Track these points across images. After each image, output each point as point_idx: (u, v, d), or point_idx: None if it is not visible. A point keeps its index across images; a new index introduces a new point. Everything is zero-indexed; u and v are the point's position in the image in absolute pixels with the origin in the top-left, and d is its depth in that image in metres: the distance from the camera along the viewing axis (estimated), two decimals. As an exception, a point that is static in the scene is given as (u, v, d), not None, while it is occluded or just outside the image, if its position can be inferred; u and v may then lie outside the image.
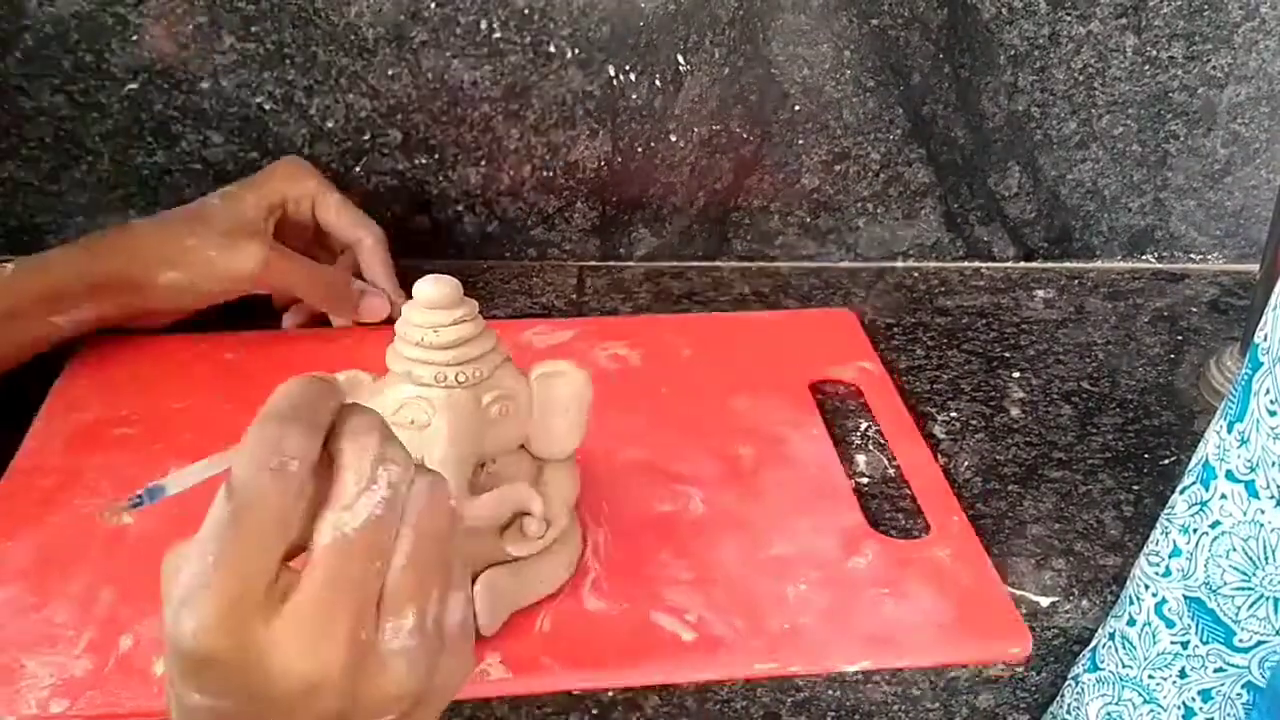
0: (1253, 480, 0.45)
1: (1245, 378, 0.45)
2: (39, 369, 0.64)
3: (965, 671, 0.54)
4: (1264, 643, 0.46)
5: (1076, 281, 0.84)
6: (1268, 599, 0.45)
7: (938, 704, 0.55)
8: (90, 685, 0.47)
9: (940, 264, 0.85)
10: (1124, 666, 0.50)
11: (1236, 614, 0.46)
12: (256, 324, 0.71)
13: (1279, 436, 0.44)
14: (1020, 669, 0.55)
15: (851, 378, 0.70)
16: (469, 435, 0.47)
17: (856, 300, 0.80)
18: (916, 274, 0.84)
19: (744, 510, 0.59)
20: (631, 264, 0.83)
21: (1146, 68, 0.78)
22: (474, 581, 0.50)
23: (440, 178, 0.79)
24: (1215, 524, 0.46)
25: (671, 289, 0.80)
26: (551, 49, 0.75)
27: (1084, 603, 0.55)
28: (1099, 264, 0.86)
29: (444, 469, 0.47)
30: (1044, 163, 0.81)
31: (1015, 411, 0.69)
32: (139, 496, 0.34)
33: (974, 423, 0.68)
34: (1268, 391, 0.44)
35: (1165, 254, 0.86)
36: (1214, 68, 0.78)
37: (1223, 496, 0.46)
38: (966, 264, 0.85)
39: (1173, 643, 0.48)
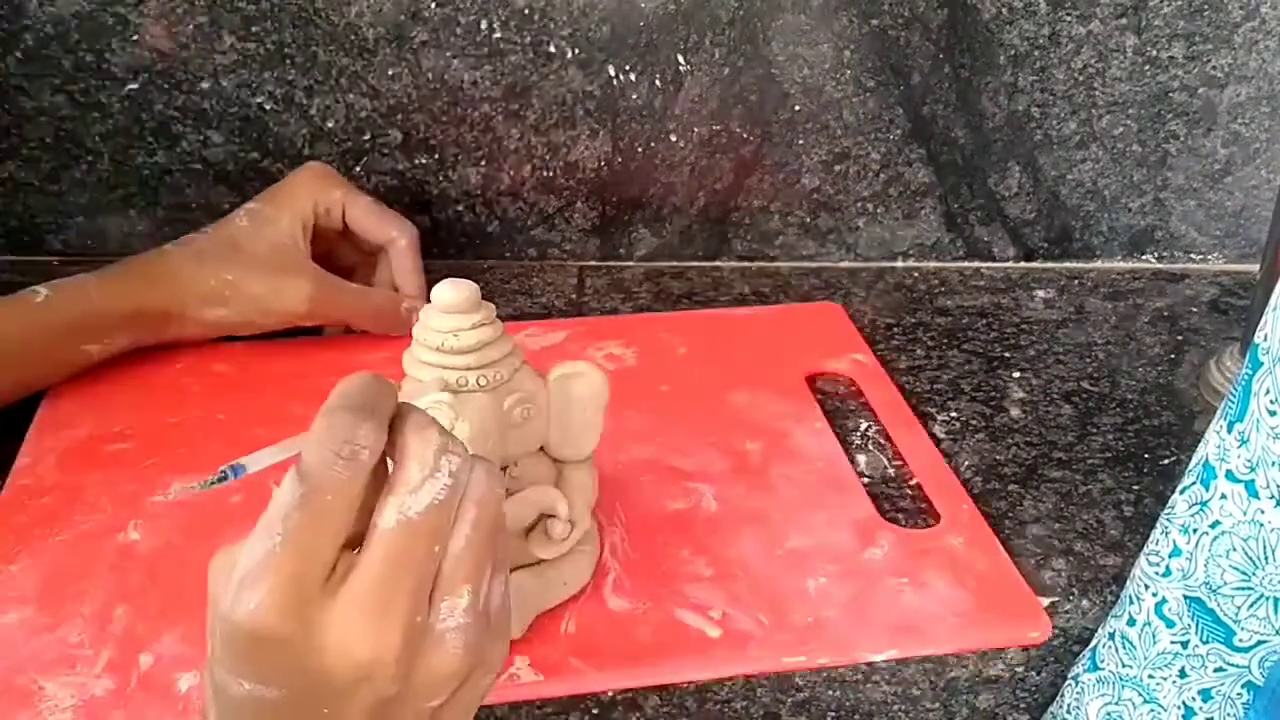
0: (1253, 480, 0.45)
1: (1245, 378, 0.45)
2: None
3: (965, 671, 0.54)
4: (1264, 642, 0.46)
5: (1076, 281, 0.84)
6: (1268, 599, 0.45)
7: (938, 704, 0.55)
8: (114, 705, 0.47)
9: (940, 264, 0.85)
10: (1124, 666, 0.50)
11: (1236, 614, 0.46)
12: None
13: (1279, 436, 0.44)
14: (1020, 669, 0.55)
15: (846, 370, 0.71)
16: (492, 439, 0.47)
17: (857, 300, 0.80)
18: (916, 274, 0.84)
19: (757, 505, 0.59)
20: (631, 264, 0.83)
21: (1147, 68, 0.78)
22: None
23: (440, 178, 0.79)
24: (1215, 524, 0.46)
25: (671, 289, 0.80)
26: (551, 49, 0.75)
27: (1084, 603, 0.55)
28: (1099, 264, 0.86)
29: None
30: (1044, 163, 0.81)
31: (1015, 411, 0.69)
32: (222, 473, 0.35)
33: (974, 423, 0.68)
34: (1268, 391, 0.44)
35: (1165, 254, 0.86)
36: (1214, 68, 0.78)
37: (1223, 496, 0.46)
38: (966, 264, 0.85)
39: (1173, 642, 0.48)
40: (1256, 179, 0.83)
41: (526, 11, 0.74)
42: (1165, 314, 0.80)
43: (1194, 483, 0.48)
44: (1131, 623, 0.50)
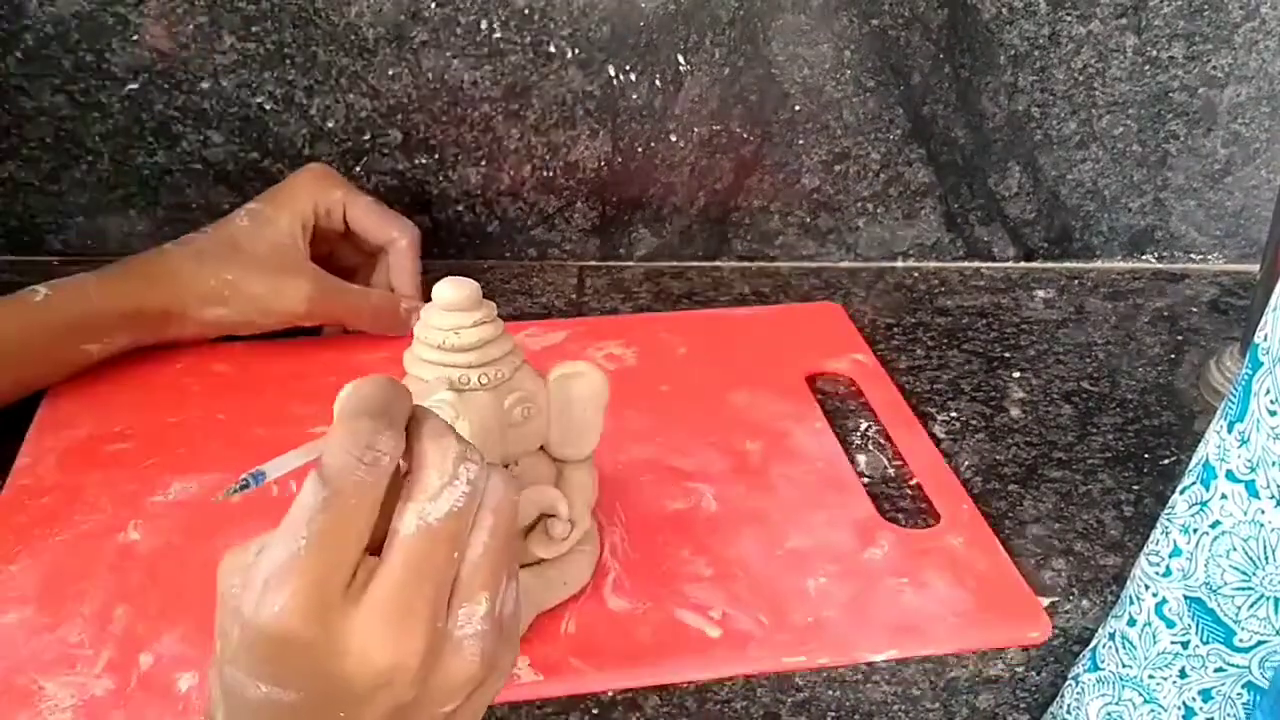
0: (1253, 480, 0.45)
1: (1245, 378, 0.45)
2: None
3: (966, 671, 0.54)
4: (1264, 642, 0.46)
5: (1076, 281, 0.84)
6: (1268, 599, 0.45)
7: (938, 704, 0.55)
8: (114, 705, 0.47)
9: (940, 264, 0.85)
10: (1124, 666, 0.50)
11: (1237, 614, 0.46)
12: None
13: (1279, 436, 0.44)
14: (1020, 669, 0.55)
15: (846, 370, 0.71)
16: (493, 437, 0.47)
17: (857, 300, 0.80)
18: (916, 274, 0.84)
19: (757, 505, 0.59)
20: (631, 264, 0.83)
21: (1147, 68, 0.78)
22: None
23: (440, 178, 0.79)
24: (1215, 524, 0.46)
25: (671, 289, 0.80)
26: (551, 49, 0.75)
27: (1084, 603, 0.55)
28: (1099, 264, 0.86)
29: None
30: (1044, 163, 0.81)
31: (1015, 411, 0.69)
32: (245, 480, 0.35)
33: (974, 423, 0.68)
34: (1268, 392, 0.44)
35: (1165, 254, 0.86)
36: (1214, 68, 0.78)
37: (1223, 496, 0.46)
38: (966, 264, 0.85)
39: (1173, 643, 0.48)
40: (1256, 179, 0.83)
41: (526, 11, 0.74)
42: (1165, 314, 0.80)
43: (1194, 483, 0.48)
44: (1132, 623, 0.50)
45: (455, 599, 0.34)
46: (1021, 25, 0.76)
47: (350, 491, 0.33)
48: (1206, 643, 0.47)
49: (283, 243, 0.66)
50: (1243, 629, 0.46)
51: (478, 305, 0.48)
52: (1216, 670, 0.48)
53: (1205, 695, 0.48)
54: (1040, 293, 0.82)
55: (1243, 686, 0.48)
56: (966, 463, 0.64)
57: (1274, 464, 0.44)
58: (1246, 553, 0.45)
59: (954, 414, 0.68)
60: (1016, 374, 0.73)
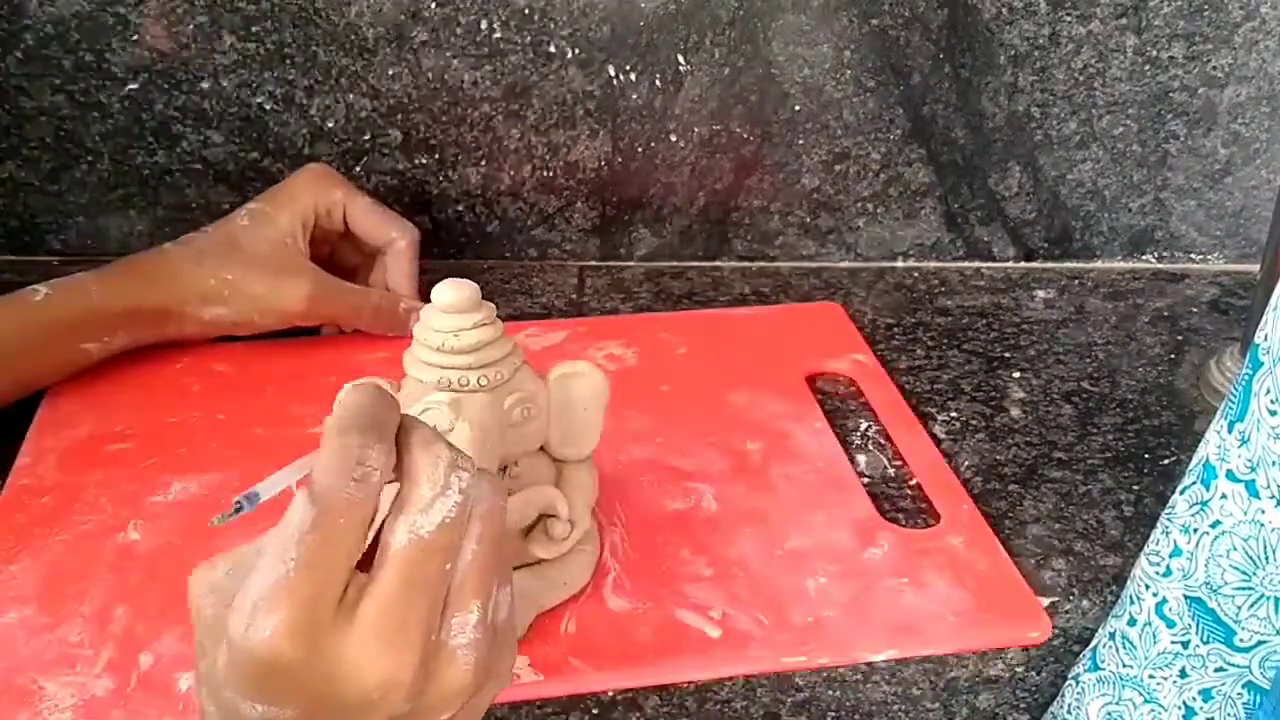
0: (1253, 480, 0.45)
1: (1245, 378, 0.45)
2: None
3: (965, 671, 0.54)
4: (1264, 642, 0.46)
5: (1077, 281, 0.84)
6: (1268, 599, 0.45)
7: (938, 704, 0.55)
8: (114, 704, 0.47)
9: (940, 264, 0.85)
10: (1124, 666, 0.50)
11: (1237, 614, 0.46)
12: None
13: (1279, 436, 0.43)
14: (1020, 669, 0.55)
15: (846, 370, 0.71)
16: (492, 438, 0.47)
17: (857, 300, 0.80)
18: (916, 274, 0.84)
19: (757, 505, 0.59)
20: (631, 264, 0.83)
21: (1147, 68, 0.78)
22: None
23: (440, 178, 0.79)
24: (1216, 524, 0.46)
25: (671, 289, 0.80)
26: (551, 49, 0.75)
27: (1084, 603, 0.55)
28: (1099, 264, 0.86)
29: None
30: (1044, 163, 0.81)
31: (1015, 411, 0.69)
32: (238, 504, 0.34)
33: (974, 423, 0.68)
34: (1268, 391, 0.44)
35: (1165, 254, 0.86)
36: (1214, 68, 0.78)
37: (1223, 496, 0.46)
38: (966, 264, 0.85)
39: (1173, 642, 0.48)
40: (1256, 179, 0.83)
41: (526, 11, 0.74)
42: (1165, 314, 0.80)
43: (1194, 482, 0.48)
44: (1132, 623, 0.50)
45: (448, 609, 0.34)
46: (1021, 25, 0.76)
47: (340, 510, 0.32)
48: (1207, 642, 0.47)
49: (283, 242, 0.66)
50: (1243, 629, 0.46)
51: (477, 307, 0.48)
52: (1217, 670, 0.48)
53: (1205, 695, 0.48)
54: (1040, 293, 0.82)
55: (1243, 686, 0.48)
56: (966, 463, 0.64)
57: (1274, 464, 0.44)
58: (1247, 552, 0.45)
59: (954, 414, 0.68)
60: (1016, 374, 0.73)
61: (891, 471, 0.63)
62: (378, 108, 0.76)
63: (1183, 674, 0.48)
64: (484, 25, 0.74)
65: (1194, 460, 0.48)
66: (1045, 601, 0.55)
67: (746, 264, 0.84)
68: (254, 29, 0.73)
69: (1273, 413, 0.44)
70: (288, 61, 0.74)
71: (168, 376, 0.67)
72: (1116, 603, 0.52)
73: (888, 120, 0.79)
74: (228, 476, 0.59)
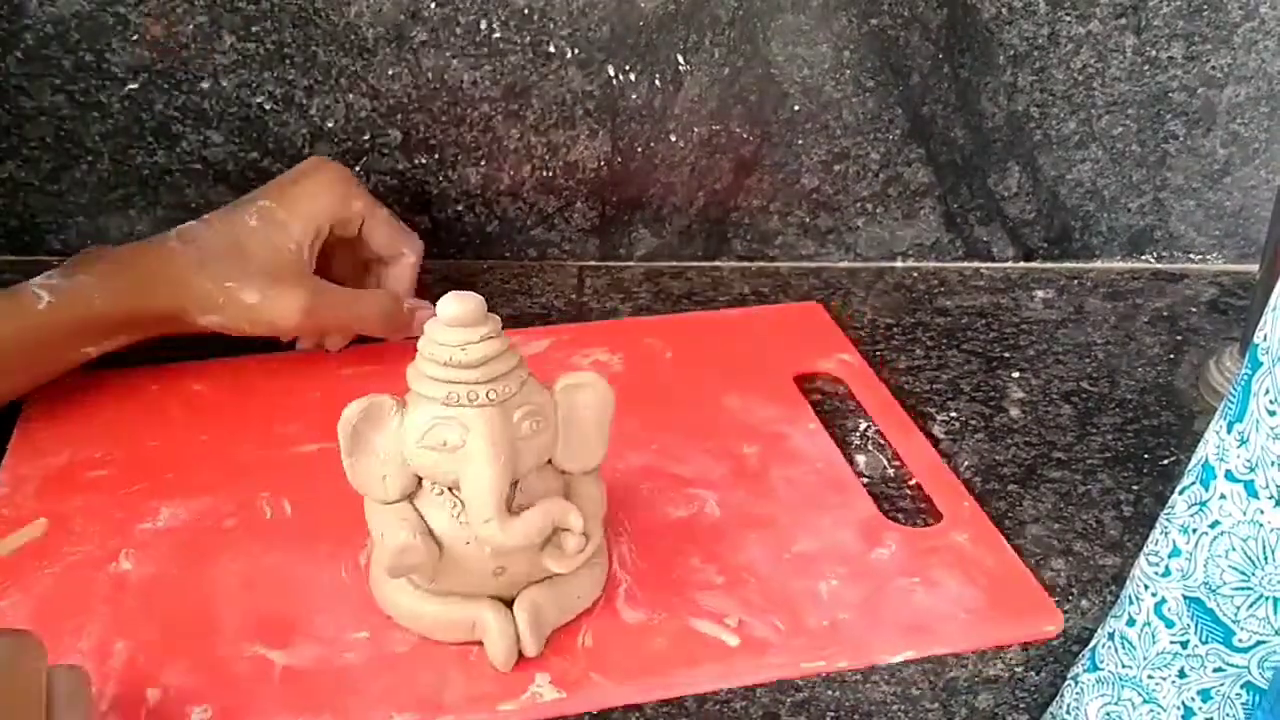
0: (1252, 480, 0.45)
1: (1245, 378, 0.45)
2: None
3: (965, 671, 0.54)
4: (1263, 643, 0.46)
5: (1076, 281, 0.84)
6: (1267, 599, 0.45)
7: (937, 704, 0.55)
8: None
9: (940, 264, 0.85)
10: (1124, 666, 0.50)
11: (1236, 614, 0.46)
12: (220, 349, 0.68)
13: (1278, 436, 0.44)
14: (1020, 669, 0.55)
15: (834, 370, 0.71)
16: (506, 454, 0.47)
17: (856, 300, 0.80)
18: (916, 274, 0.84)
19: (760, 509, 0.59)
20: (631, 264, 0.83)
21: (1146, 68, 0.78)
22: (513, 603, 0.50)
23: (440, 178, 0.79)
24: (1215, 524, 0.46)
25: (671, 289, 0.81)
26: (551, 49, 0.75)
27: (1084, 603, 0.55)
28: (1099, 264, 0.86)
29: (482, 489, 0.46)
30: (1044, 163, 0.81)
31: (1015, 411, 0.69)
32: None
33: (974, 423, 0.68)
34: (1267, 392, 0.44)
35: (1165, 254, 0.86)
36: (1214, 68, 0.78)
37: (1222, 496, 0.46)
38: (966, 264, 0.85)
39: (1172, 643, 0.48)
40: (1256, 179, 0.83)
41: (526, 11, 0.74)
42: (1165, 314, 0.80)
43: (1193, 483, 0.48)
44: (1131, 623, 0.50)
45: None
46: (1021, 25, 0.76)
47: None
48: (1206, 643, 0.48)
49: (288, 250, 0.64)
50: (1242, 629, 0.46)
51: (484, 320, 0.47)
52: (1215, 670, 0.48)
53: (1204, 695, 0.48)
54: (1040, 293, 0.82)
55: (1242, 687, 0.48)
56: (966, 463, 0.64)
57: (1273, 464, 0.44)
58: (1245, 553, 0.45)
59: (953, 414, 0.68)
60: (1016, 374, 0.73)
61: (890, 471, 0.63)
62: (378, 108, 0.76)
63: (1181, 674, 0.49)
64: (484, 25, 0.74)
65: (1193, 460, 0.49)
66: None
67: (746, 264, 0.84)
68: (254, 29, 0.73)
69: (1272, 413, 0.44)
70: (288, 61, 0.74)
71: (145, 398, 0.65)
72: (1115, 603, 0.53)
73: (887, 120, 0.79)
74: (218, 500, 0.58)
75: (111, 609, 0.51)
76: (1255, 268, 0.74)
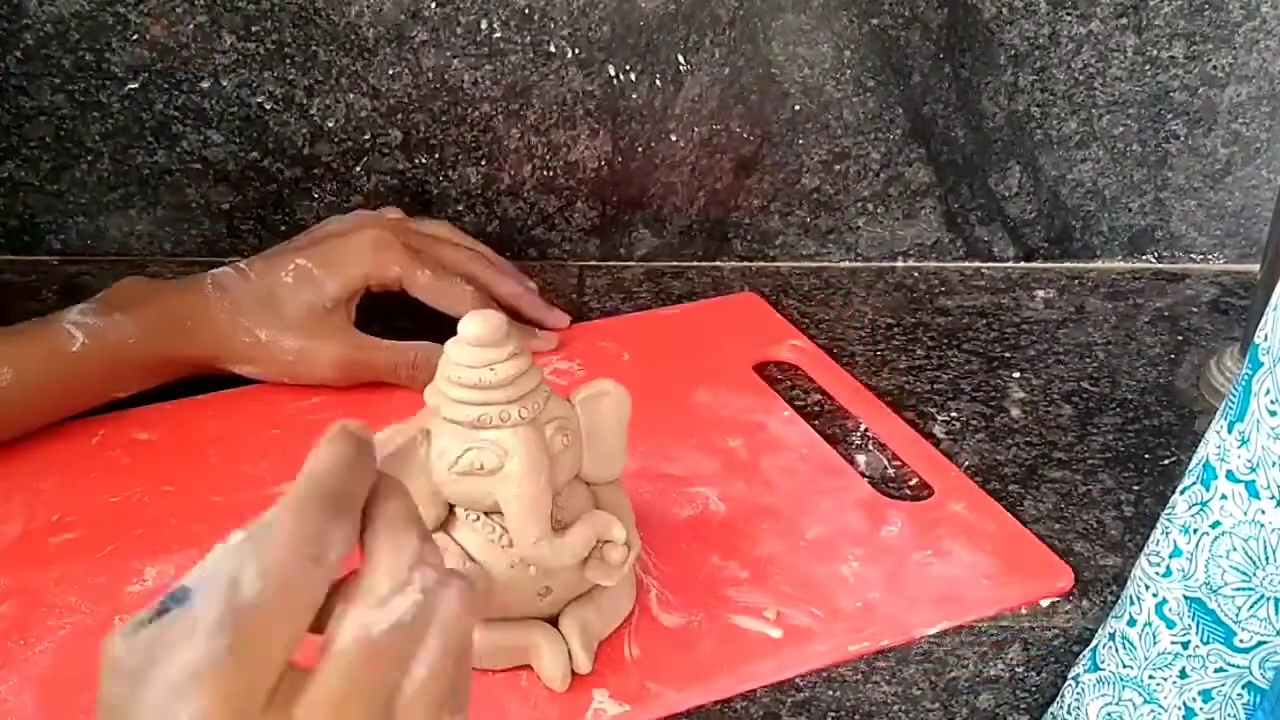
0: (1253, 480, 0.45)
1: (1245, 378, 0.45)
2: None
3: (966, 671, 0.54)
4: (1264, 643, 0.46)
5: (1076, 281, 0.84)
6: (1268, 599, 0.45)
7: (937, 704, 0.55)
8: None
9: (940, 264, 0.85)
10: (1124, 667, 0.50)
11: (1237, 614, 0.46)
12: (151, 393, 0.64)
13: (1279, 436, 0.43)
14: (1020, 669, 0.55)
15: (789, 357, 0.72)
16: (546, 472, 0.46)
17: (857, 300, 0.80)
18: (916, 274, 0.84)
19: (763, 500, 0.59)
20: (631, 264, 0.83)
21: (1147, 67, 0.78)
22: (554, 622, 0.49)
23: (440, 178, 0.79)
24: (1216, 524, 0.46)
25: (672, 289, 0.80)
26: (551, 49, 0.75)
27: (1084, 603, 0.55)
28: (1099, 264, 0.86)
29: (529, 511, 0.45)
30: (1044, 163, 0.81)
31: (1015, 412, 0.69)
32: (163, 605, 0.28)
33: (974, 423, 0.68)
34: (1268, 392, 0.44)
35: (1165, 254, 0.86)
36: (1215, 67, 0.78)
37: (1223, 497, 0.46)
38: (966, 264, 0.85)
39: (1173, 643, 0.48)
40: (1257, 179, 0.83)
41: (526, 11, 0.74)
42: (1165, 314, 0.80)
43: (1194, 483, 0.48)
44: (1132, 623, 0.50)
45: None
46: (1021, 25, 0.76)
47: (288, 589, 0.28)
48: (1207, 643, 0.47)
49: (322, 307, 0.64)
50: (1243, 629, 0.46)
51: (508, 338, 0.46)
52: (1217, 671, 0.48)
53: (1205, 696, 0.48)
54: (1040, 293, 0.82)
55: (1243, 687, 0.48)
56: (966, 463, 0.64)
57: (1274, 464, 0.44)
58: (1247, 553, 0.45)
59: (954, 414, 0.68)
60: (1016, 374, 0.73)
61: (872, 449, 0.64)
62: (378, 108, 0.76)
63: (1183, 674, 0.48)
64: (484, 25, 0.74)
65: (1194, 460, 0.48)
66: (1045, 602, 0.55)
67: (746, 264, 0.84)
68: (254, 29, 0.73)
69: (1273, 413, 0.44)
70: (288, 61, 0.74)
71: (88, 452, 0.61)
72: (1116, 603, 0.52)
73: (888, 120, 0.79)
74: (204, 553, 0.53)
75: None
76: (1256, 268, 0.74)
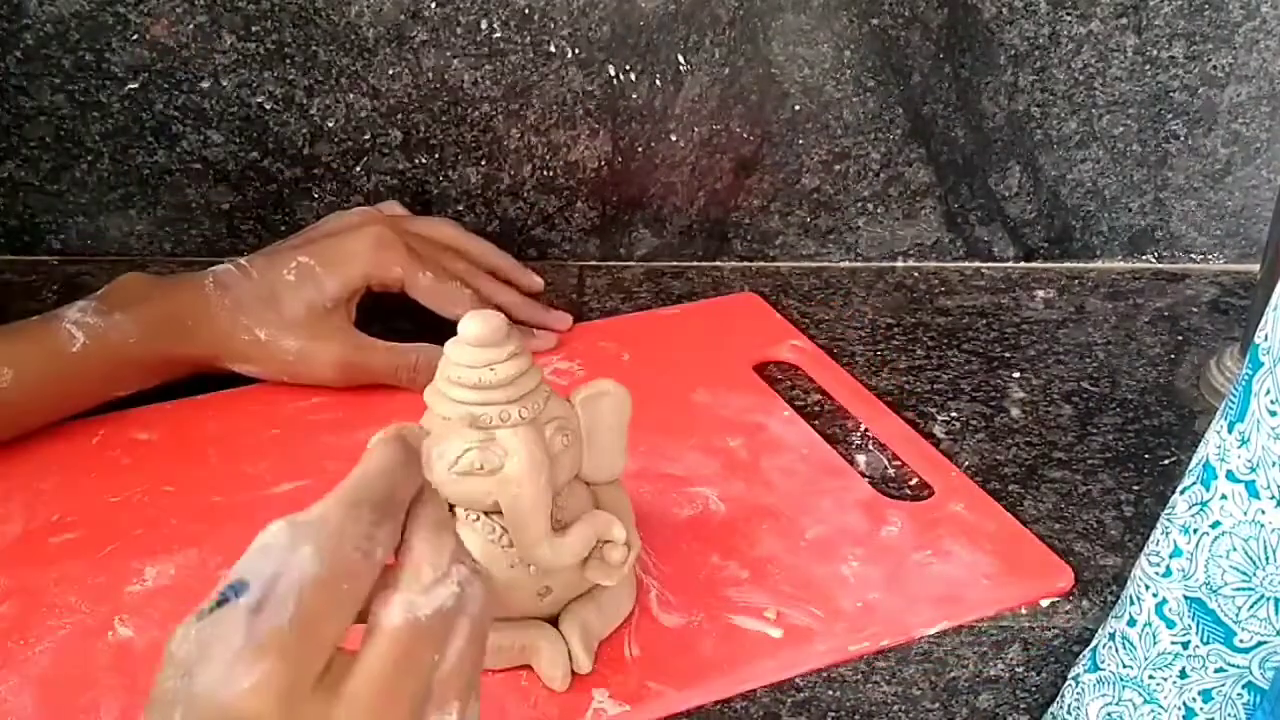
0: (1253, 480, 0.45)
1: (1245, 378, 0.45)
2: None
3: (966, 671, 0.54)
4: (1264, 643, 0.46)
5: (1076, 281, 0.84)
6: (1268, 599, 0.45)
7: (937, 704, 0.55)
8: None
9: (940, 264, 0.85)
10: (1124, 667, 0.50)
11: (1237, 614, 0.46)
12: (151, 393, 0.64)
13: (1279, 436, 0.43)
14: (1020, 669, 0.55)
15: (789, 357, 0.72)
16: (546, 471, 0.46)
17: (857, 300, 0.80)
18: (916, 274, 0.84)
19: (763, 500, 0.59)
20: (631, 264, 0.83)
21: (1147, 67, 0.78)
22: (554, 622, 0.49)
23: (440, 178, 0.79)
24: (1216, 524, 0.46)
25: (672, 289, 0.80)
26: (551, 49, 0.75)
27: (1084, 603, 0.55)
28: (1099, 264, 0.86)
29: (530, 511, 0.46)
30: (1044, 163, 0.81)
31: (1015, 412, 0.69)
32: (223, 595, 0.30)
33: (974, 423, 0.68)
34: (1268, 392, 0.44)
35: (1165, 254, 0.86)
36: (1215, 67, 0.78)
37: (1223, 497, 0.46)
38: (966, 264, 0.85)
39: (1173, 643, 0.48)
40: (1257, 179, 0.83)
41: (526, 11, 0.74)
42: (1165, 314, 0.80)
43: (1194, 483, 0.48)
44: (1132, 623, 0.50)
45: (429, 704, 0.32)
46: (1021, 25, 0.76)
47: (345, 575, 0.31)
48: (1207, 643, 0.47)
49: (323, 307, 0.64)
50: (1243, 629, 0.46)
51: (508, 338, 0.46)
52: (1217, 671, 0.48)
53: (1205, 696, 0.48)
54: (1040, 293, 0.82)
55: (1243, 687, 0.48)
56: (966, 463, 0.64)
57: (1274, 464, 0.44)
58: (1247, 553, 0.45)
59: (954, 414, 0.68)
60: (1016, 374, 0.73)
61: (873, 449, 0.64)
62: (378, 108, 0.76)
63: (1183, 674, 0.48)
64: (484, 25, 0.74)
65: (1194, 460, 0.48)
66: (1045, 602, 0.55)
67: (746, 264, 0.84)
68: (254, 29, 0.73)
69: (1273, 413, 0.44)
70: (288, 61, 0.74)
71: (88, 452, 0.61)
72: (1116, 603, 0.52)
73: (888, 120, 0.79)
74: (204, 553, 0.55)
75: (121, 678, 0.48)
76: (1256, 268, 0.74)
